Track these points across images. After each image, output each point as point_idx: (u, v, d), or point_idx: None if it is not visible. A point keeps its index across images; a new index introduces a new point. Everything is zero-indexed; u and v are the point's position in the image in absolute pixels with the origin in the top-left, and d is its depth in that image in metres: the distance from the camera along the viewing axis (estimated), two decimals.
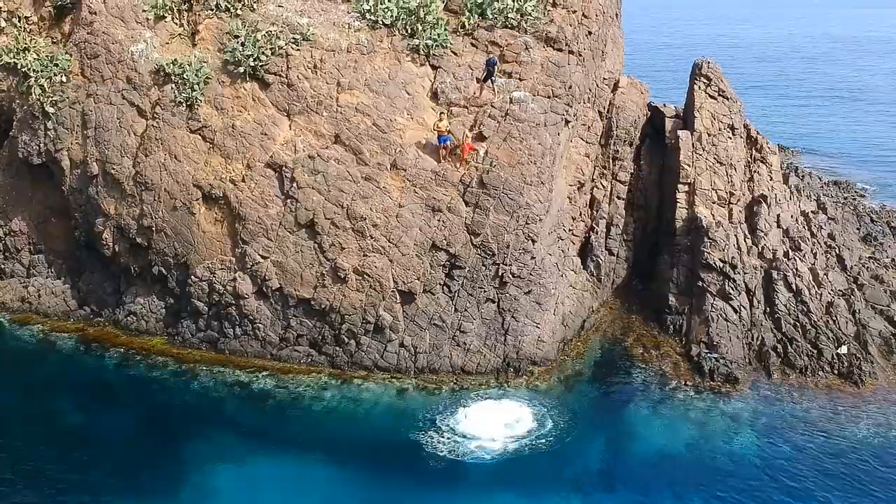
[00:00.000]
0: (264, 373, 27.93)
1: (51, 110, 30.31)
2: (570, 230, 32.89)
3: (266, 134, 28.54)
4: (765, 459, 24.11)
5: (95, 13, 30.29)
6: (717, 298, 30.52)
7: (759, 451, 24.49)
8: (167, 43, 30.20)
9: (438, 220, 27.74)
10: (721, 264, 30.94)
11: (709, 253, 31.19)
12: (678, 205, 33.46)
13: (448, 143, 27.74)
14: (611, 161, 35.65)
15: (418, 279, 27.70)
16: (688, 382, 28.06)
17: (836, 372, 28.33)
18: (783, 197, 36.30)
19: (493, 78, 28.66)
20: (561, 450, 24.41)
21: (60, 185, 31.30)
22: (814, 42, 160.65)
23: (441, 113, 28.18)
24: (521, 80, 29.27)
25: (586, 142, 34.33)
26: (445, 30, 29.76)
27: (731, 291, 30.46)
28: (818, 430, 25.46)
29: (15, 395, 27.14)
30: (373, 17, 29.67)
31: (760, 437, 25.22)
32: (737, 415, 26.29)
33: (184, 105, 29.04)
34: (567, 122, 30.07)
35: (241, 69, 28.73)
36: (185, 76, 28.93)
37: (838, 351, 28.71)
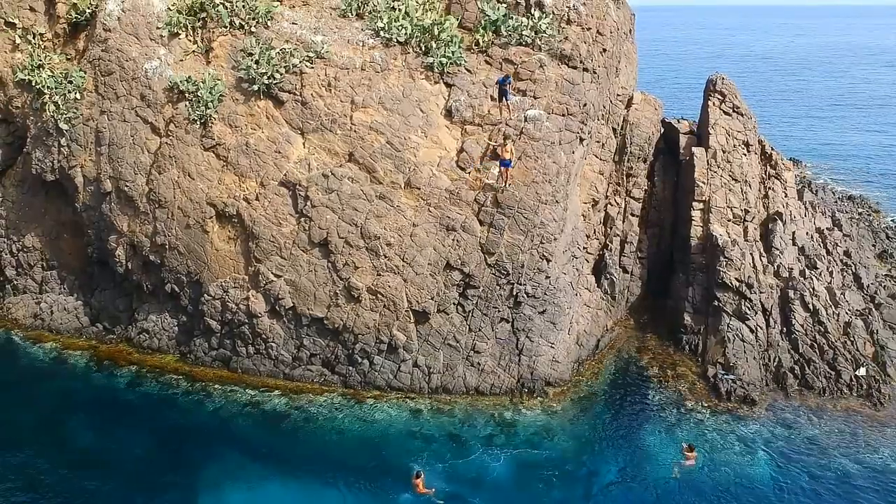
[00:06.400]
0: (277, 392, 27.84)
1: (65, 127, 30.37)
2: (584, 248, 32.66)
3: (280, 152, 28.46)
4: (782, 484, 23.79)
5: (110, 30, 30.32)
6: (733, 318, 30.24)
7: (777, 476, 24.17)
8: (181, 60, 30.18)
9: (453, 240, 27.58)
10: (737, 284, 30.67)
11: (724, 272, 30.92)
12: (693, 222, 33.24)
13: (510, 167, 27.42)
14: (625, 178, 35.48)
15: (432, 299, 27.53)
16: (704, 404, 27.79)
17: (854, 394, 28.00)
18: (798, 214, 36.06)
19: (507, 95, 28.51)
20: (576, 472, 24.22)
21: (74, 202, 31.31)
22: (831, 52, 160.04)
23: (507, 138, 27.63)
24: (535, 97, 29.13)
25: (600, 159, 34.16)
26: (459, 47, 29.65)
27: (748, 311, 30.17)
28: (836, 454, 25.11)
29: (27, 412, 27.08)
30: (387, 35, 29.59)
31: (778, 460, 24.89)
32: (754, 438, 25.97)
33: (198, 123, 29.00)
34: (581, 140, 29.90)
35: (255, 87, 28.68)
36: (199, 94, 28.91)
37: (857, 373, 28.39)
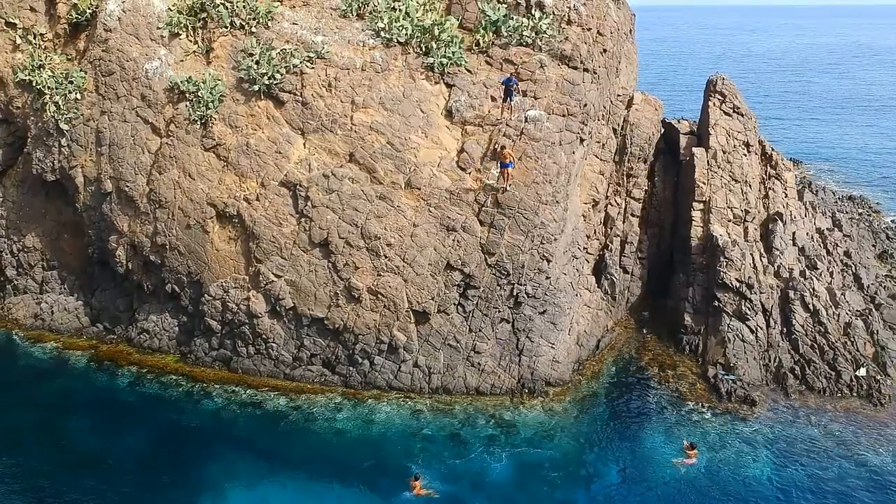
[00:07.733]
0: (277, 392, 27.84)
1: (65, 127, 30.39)
2: (584, 248, 32.67)
3: (280, 152, 28.46)
4: (783, 484, 23.78)
5: (110, 30, 30.34)
6: (733, 319, 30.24)
7: (777, 476, 24.16)
8: (182, 60, 30.20)
9: (453, 240, 27.59)
10: (737, 284, 30.68)
11: (725, 273, 30.93)
12: (693, 223, 33.25)
13: (512, 168, 27.42)
14: (625, 178, 35.49)
15: (433, 299, 27.53)
16: (704, 404, 27.78)
17: (855, 394, 28.00)
18: (798, 214, 36.07)
19: (512, 96, 28.48)
20: (576, 472, 24.22)
21: (74, 202, 31.33)
22: (831, 52, 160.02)
23: (504, 147, 27.51)
24: (536, 98, 29.13)
25: (601, 159, 34.18)
26: (460, 48, 29.66)
27: (748, 312, 30.18)
28: (837, 454, 25.10)
29: (27, 413, 27.07)
30: (387, 36, 29.60)
31: (778, 460, 24.89)
32: (754, 438, 25.96)
33: (198, 123, 29.02)
34: (582, 140, 29.90)
35: (256, 87, 28.69)
36: (199, 94, 28.93)
37: (857, 373, 28.39)
